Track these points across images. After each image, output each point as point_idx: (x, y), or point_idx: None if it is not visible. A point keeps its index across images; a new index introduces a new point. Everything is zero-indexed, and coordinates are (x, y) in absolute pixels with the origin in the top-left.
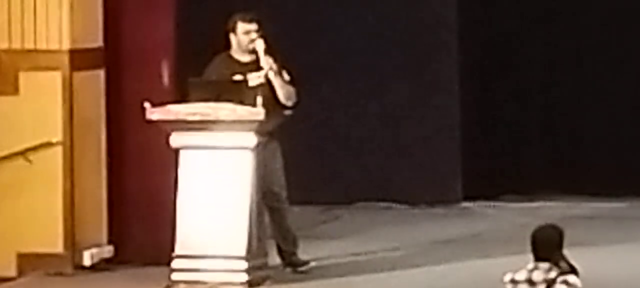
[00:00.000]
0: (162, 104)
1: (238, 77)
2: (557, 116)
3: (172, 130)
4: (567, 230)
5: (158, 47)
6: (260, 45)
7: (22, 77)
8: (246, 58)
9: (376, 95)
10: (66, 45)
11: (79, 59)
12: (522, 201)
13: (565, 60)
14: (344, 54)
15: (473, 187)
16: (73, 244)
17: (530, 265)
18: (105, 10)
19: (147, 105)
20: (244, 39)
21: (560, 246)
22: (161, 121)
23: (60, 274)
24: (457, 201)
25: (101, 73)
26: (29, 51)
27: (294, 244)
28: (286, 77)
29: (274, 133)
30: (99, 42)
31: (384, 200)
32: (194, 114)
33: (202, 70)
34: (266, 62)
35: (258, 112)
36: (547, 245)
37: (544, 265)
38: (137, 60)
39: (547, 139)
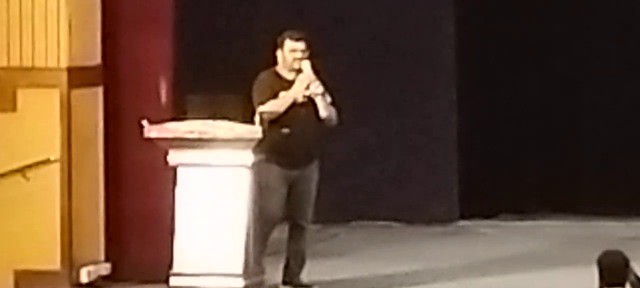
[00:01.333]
0: (160, 121)
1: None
2: (555, 135)
3: (170, 148)
4: (564, 249)
5: (156, 65)
6: (306, 66)
7: (20, 94)
8: (292, 76)
9: (373, 114)
10: (64, 63)
11: (77, 76)
12: (520, 220)
13: (562, 80)
14: (339, 73)
15: (470, 205)
16: (70, 261)
17: None
18: (104, 28)
19: (145, 122)
20: (289, 57)
21: (628, 267)
22: (159, 139)
23: None
24: (454, 220)
25: (99, 91)
26: (27, 69)
27: (302, 265)
28: (328, 99)
29: (316, 153)
30: (97, 60)
31: (381, 218)
32: (192, 131)
33: (200, 87)
34: (314, 84)
35: (256, 130)
36: (616, 270)
37: None
38: (135, 78)
39: (545, 158)
